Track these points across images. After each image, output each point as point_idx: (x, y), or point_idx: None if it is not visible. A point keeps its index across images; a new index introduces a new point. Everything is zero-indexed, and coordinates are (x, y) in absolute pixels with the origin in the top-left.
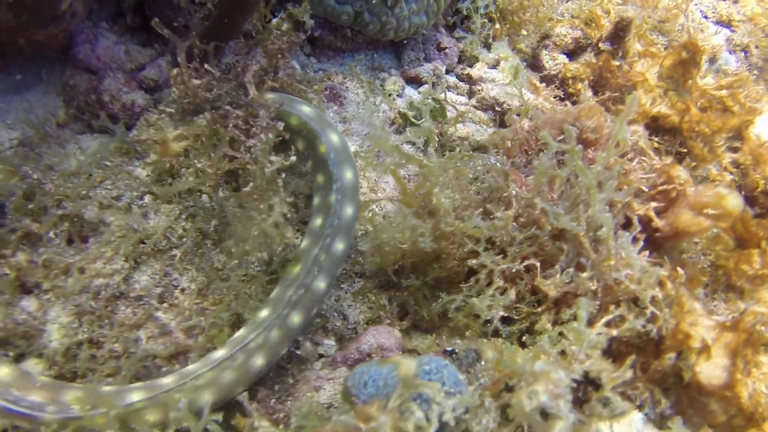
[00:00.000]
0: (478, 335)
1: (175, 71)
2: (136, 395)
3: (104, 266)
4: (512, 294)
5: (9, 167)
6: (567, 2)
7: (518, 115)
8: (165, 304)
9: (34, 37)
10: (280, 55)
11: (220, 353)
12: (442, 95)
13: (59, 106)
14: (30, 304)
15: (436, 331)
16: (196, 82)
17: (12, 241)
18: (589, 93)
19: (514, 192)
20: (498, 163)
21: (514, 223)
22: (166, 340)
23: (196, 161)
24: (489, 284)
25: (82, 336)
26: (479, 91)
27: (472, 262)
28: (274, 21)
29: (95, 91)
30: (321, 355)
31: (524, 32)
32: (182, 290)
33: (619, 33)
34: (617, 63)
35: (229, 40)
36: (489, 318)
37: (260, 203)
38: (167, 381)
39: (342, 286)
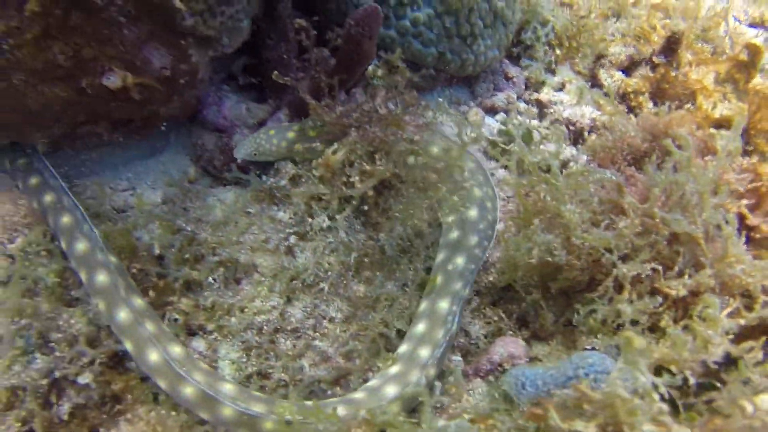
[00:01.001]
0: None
1: (313, 104)
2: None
3: (263, 304)
4: (658, 299)
5: (166, 223)
6: (616, 23)
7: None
8: (318, 334)
9: (172, 104)
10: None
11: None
12: (527, 121)
13: (189, 165)
14: (200, 344)
15: (552, 339)
16: (340, 109)
17: (177, 289)
18: (650, 104)
19: (629, 202)
20: (613, 176)
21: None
22: (328, 365)
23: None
24: (620, 290)
25: (252, 369)
26: (551, 113)
27: (605, 271)
28: (370, 69)
29: (226, 146)
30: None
31: (581, 55)
32: (330, 320)
33: (672, 46)
34: (673, 74)
35: (347, 86)
36: (620, 322)
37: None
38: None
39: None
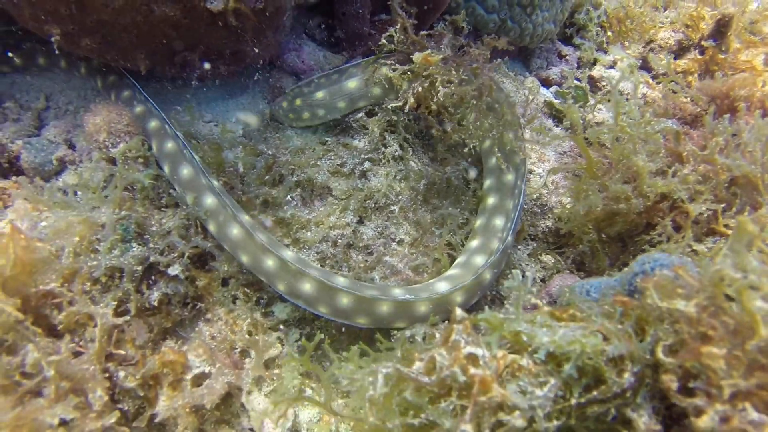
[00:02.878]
0: None
1: (399, 23)
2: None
3: (337, 220)
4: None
5: (249, 147)
6: (664, 12)
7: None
8: (388, 251)
9: (260, 41)
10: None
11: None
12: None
13: (266, 107)
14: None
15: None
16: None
17: (257, 205)
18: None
19: (689, 149)
20: (674, 125)
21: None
22: (398, 278)
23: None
24: (679, 231)
25: None
26: (604, 86)
27: (662, 214)
28: (438, 27)
29: None
30: None
31: (630, 40)
32: (399, 242)
33: (721, 29)
34: (722, 56)
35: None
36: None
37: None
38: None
39: (518, 247)
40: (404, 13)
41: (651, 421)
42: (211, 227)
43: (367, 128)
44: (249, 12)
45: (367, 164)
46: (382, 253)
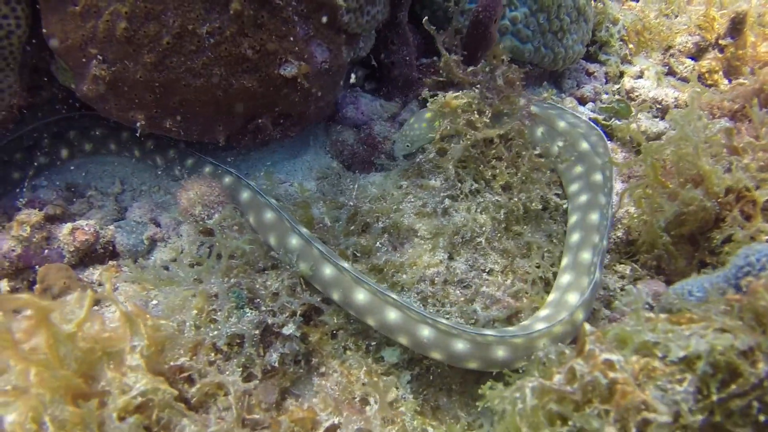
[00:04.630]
0: None
1: (447, 57)
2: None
3: (431, 258)
4: None
5: (329, 201)
6: (677, 18)
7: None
8: (483, 282)
9: (325, 98)
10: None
11: (544, 312)
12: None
13: (331, 161)
14: None
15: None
16: (470, 69)
17: (349, 256)
18: (725, 81)
19: (746, 141)
20: (727, 124)
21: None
22: (499, 306)
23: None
24: (748, 219)
25: None
26: (637, 96)
27: (729, 207)
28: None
29: (369, 136)
30: None
31: (650, 49)
32: (489, 272)
33: (737, 26)
34: (742, 51)
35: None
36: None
37: None
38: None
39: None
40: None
41: None
42: (335, 296)
43: (440, 167)
44: (316, 73)
45: (447, 201)
46: (479, 284)
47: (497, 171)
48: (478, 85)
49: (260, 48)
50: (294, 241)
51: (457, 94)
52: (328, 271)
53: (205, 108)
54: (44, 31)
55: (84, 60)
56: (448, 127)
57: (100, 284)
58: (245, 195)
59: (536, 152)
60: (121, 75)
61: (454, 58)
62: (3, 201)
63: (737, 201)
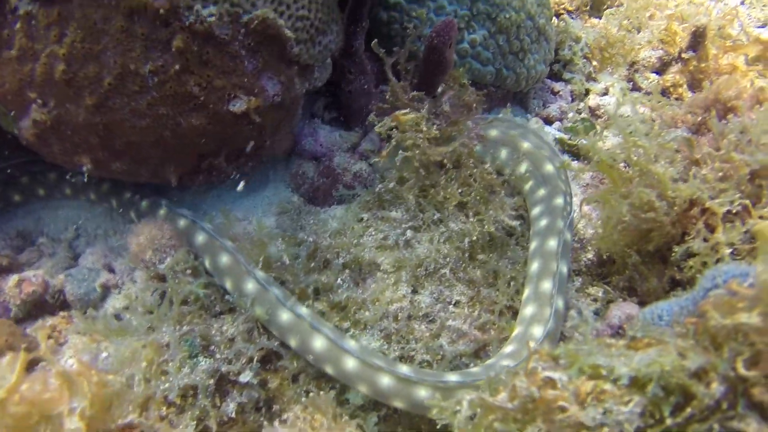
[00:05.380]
0: None
1: (393, 82)
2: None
3: (393, 293)
4: (749, 223)
5: (288, 237)
6: (639, 33)
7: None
8: (449, 315)
9: (279, 133)
10: (474, 105)
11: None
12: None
13: (291, 194)
14: None
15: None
16: (413, 93)
17: (310, 294)
18: (690, 94)
19: (705, 152)
20: (684, 133)
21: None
22: (466, 339)
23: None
24: (713, 231)
25: (395, 354)
26: (603, 114)
27: (695, 221)
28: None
29: (329, 168)
30: None
31: (615, 64)
32: (456, 303)
33: (698, 39)
34: (705, 64)
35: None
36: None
37: None
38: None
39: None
40: (397, 79)
41: (762, 427)
42: (292, 343)
43: (400, 198)
44: (268, 107)
45: (409, 233)
46: (445, 318)
47: (449, 192)
48: (424, 108)
49: (207, 85)
50: (250, 286)
51: (405, 111)
52: (285, 316)
53: (154, 149)
54: None
55: (24, 104)
56: (393, 143)
57: (49, 337)
58: (200, 238)
59: (487, 167)
60: (62, 118)
61: (401, 84)
62: None
63: (702, 214)
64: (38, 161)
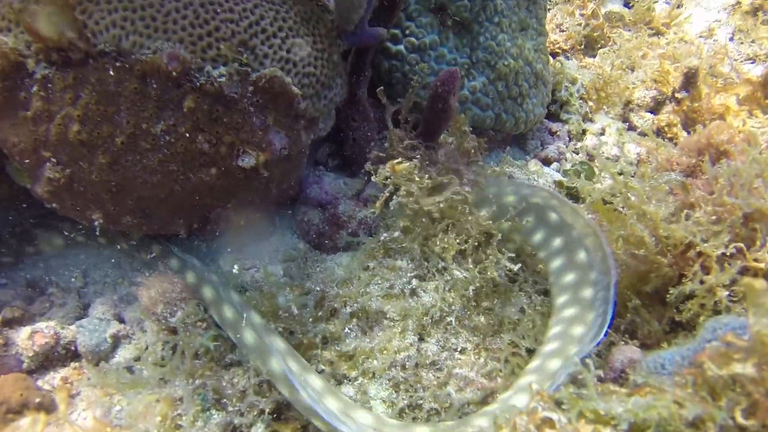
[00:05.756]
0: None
1: (391, 129)
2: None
3: (400, 342)
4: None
5: (295, 286)
6: (632, 73)
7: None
8: (456, 363)
9: (286, 182)
10: (473, 151)
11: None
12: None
13: (297, 241)
14: (349, 390)
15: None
16: (408, 142)
17: (318, 344)
18: (684, 134)
19: (698, 195)
20: (677, 177)
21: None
22: (473, 387)
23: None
24: (708, 273)
25: (403, 403)
26: (601, 153)
27: (692, 262)
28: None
29: (334, 216)
30: None
31: (611, 103)
32: (461, 351)
33: (690, 80)
34: (698, 104)
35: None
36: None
37: None
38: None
39: None
40: (395, 128)
41: None
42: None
43: (405, 246)
44: (276, 160)
45: (414, 282)
46: (452, 366)
47: (446, 242)
48: (417, 157)
49: (216, 141)
50: (248, 336)
51: (399, 160)
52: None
53: (164, 203)
54: None
55: (38, 163)
56: (387, 194)
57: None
58: (208, 293)
59: (482, 214)
60: (76, 176)
61: (399, 132)
62: None
63: (698, 257)
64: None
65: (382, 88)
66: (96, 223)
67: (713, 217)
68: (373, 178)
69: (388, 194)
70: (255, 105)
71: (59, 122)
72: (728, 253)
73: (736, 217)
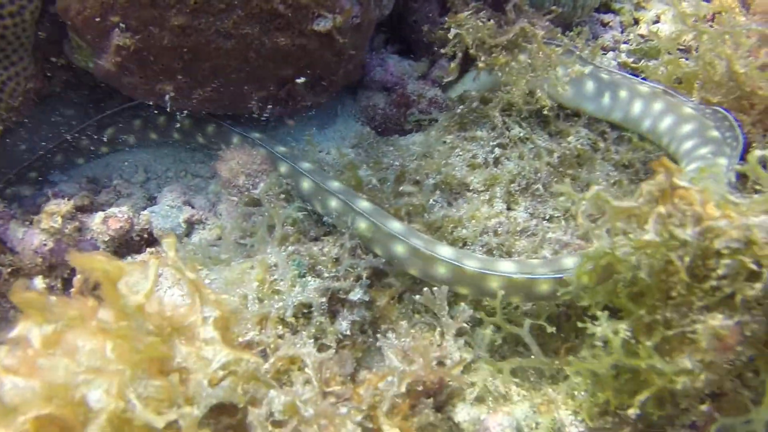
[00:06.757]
0: None
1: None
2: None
3: (490, 209)
4: None
5: (373, 161)
6: None
7: None
8: (547, 229)
9: (353, 64)
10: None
11: None
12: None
13: (362, 127)
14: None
15: None
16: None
17: (403, 216)
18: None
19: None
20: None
21: None
22: (570, 249)
23: None
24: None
25: None
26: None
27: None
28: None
29: (403, 96)
30: None
31: None
32: (550, 218)
33: None
34: None
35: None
36: None
37: None
38: None
39: None
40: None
41: None
42: (377, 250)
43: (484, 117)
44: (349, 28)
45: (497, 150)
46: (545, 230)
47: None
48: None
49: (292, 2)
50: (333, 203)
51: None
52: (400, 249)
53: (237, 73)
54: (58, 4)
55: (105, 31)
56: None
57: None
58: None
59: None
60: (146, 43)
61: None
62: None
63: None
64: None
65: None
66: (167, 97)
67: None
68: (443, 51)
69: (461, 54)
70: None
71: None
72: None
73: None
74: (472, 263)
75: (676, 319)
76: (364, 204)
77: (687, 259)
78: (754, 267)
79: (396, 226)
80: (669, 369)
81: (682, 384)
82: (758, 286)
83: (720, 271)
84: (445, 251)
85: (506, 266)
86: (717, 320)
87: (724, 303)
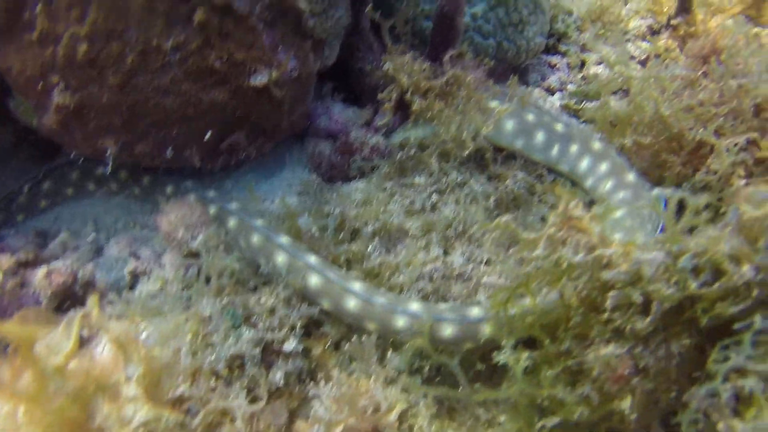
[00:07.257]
0: None
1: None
2: None
3: (426, 255)
4: None
5: (314, 211)
6: (626, 5)
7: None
8: (483, 273)
9: (295, 115)
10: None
11: None
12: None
13: (309, 174)
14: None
15: None
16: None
17: (343, 264)
18: (684, 58)
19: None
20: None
21: None
22: None
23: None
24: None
25: None
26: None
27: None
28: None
29: (346, 144)
30: None
31: (608, 33)
32: (487, 262)
33: (685, 6)
34: (693, 29)
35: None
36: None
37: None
38: None
39: None
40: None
41: None
42: (326, 305)
43: (422, 163)
44: (287, 81)
45: (435, 196)
46: (480, 274)
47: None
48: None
49: (228, 58)
50: (280, 258)
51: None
52: (314, 280)
53: (177, 128)
54: (0, 64)
55: (46, 90)
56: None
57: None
58: (231, 223)
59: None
60: (86, 101)
61: (400, 47)
62: None
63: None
64: (56, 168)
65: (371, 5)
66: (108, 152)
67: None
68: (379, 96)
69: (396, 94)
70: (264, 21)
71: (66, 42)
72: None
73: (745, 106)
74: (381, 300)
75: (576, 350)
76: (284, 239)
77: (578, 284)
78: (638, 299)
79: (311, 259)
80: (570, 399)
81: (578, 414)
82: (647, 320)
83: (607, 303)
84: (356, 286)
85: (413, 306)
86: (608, 349)
87: (619, 335)
